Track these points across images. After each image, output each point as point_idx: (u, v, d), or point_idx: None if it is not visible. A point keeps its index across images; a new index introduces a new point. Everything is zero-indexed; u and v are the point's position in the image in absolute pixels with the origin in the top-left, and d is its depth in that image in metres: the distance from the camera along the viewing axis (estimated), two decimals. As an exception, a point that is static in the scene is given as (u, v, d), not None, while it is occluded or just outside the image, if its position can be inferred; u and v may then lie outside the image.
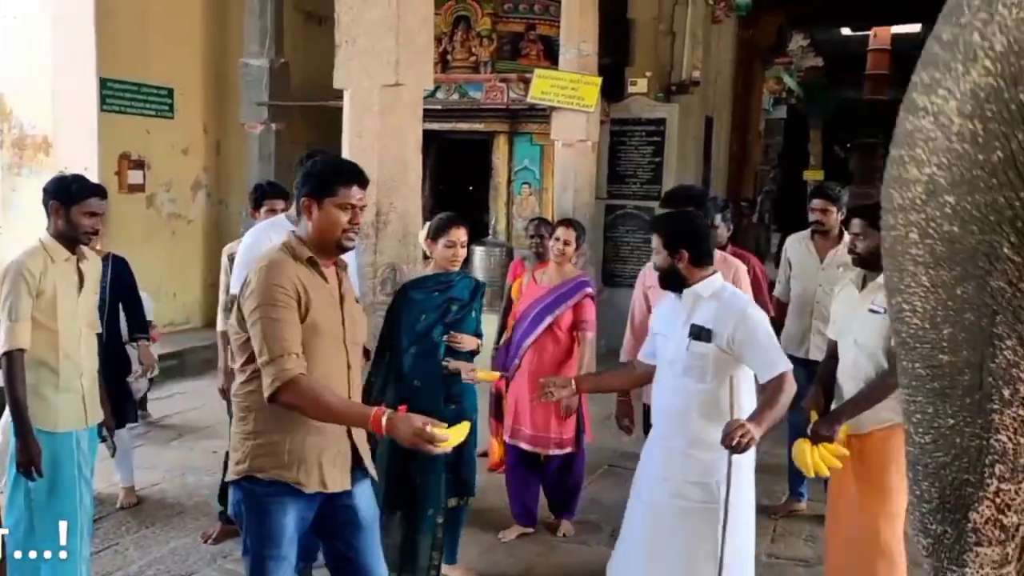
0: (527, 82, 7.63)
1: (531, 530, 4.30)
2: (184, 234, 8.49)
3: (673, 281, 2.97)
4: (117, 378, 4.04)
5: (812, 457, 3.05)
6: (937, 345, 1.03)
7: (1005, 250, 0.95)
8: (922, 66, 1.02)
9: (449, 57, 8.73)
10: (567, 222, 4.46)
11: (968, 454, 1.04)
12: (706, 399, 2.86)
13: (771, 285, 4.87)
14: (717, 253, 3.78)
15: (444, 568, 3.59)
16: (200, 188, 8.68)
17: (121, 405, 4.13)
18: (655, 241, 3.01)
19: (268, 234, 3.41)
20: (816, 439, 3.08)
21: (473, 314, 3.64)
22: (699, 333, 2.83)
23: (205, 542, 4.01)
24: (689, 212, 3.50)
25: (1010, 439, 1.02)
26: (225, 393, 3.93)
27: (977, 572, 1.09)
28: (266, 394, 2.25)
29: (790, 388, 2.78)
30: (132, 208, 7.76)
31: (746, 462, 2.91)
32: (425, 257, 4.34)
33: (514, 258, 7.03)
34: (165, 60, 8.01)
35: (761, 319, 2.93)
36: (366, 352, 3.56)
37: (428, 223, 3.74)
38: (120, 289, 4.20)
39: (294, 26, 9.13)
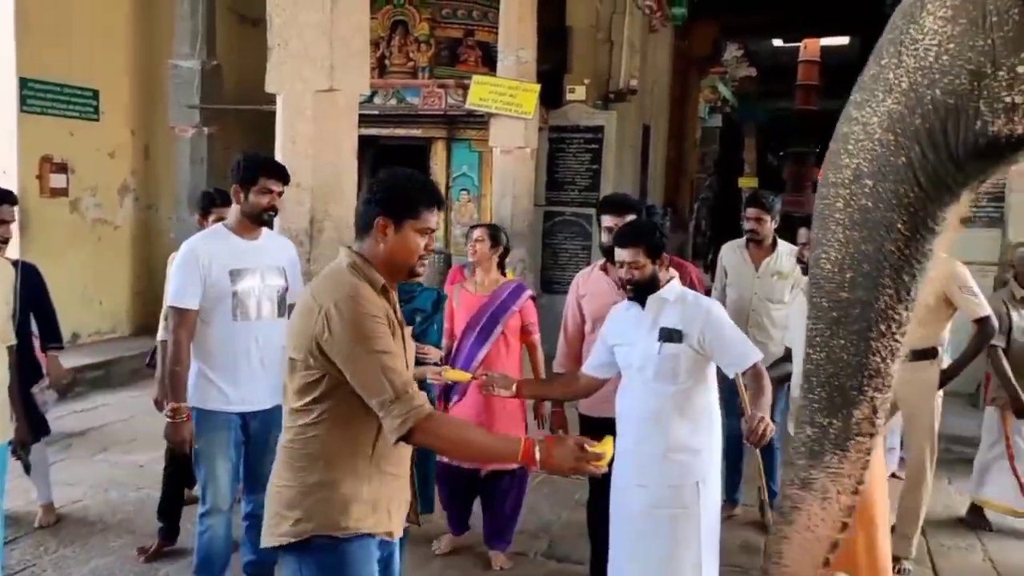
0: (465, 88, 7.59)
1: (464, 533, 4.24)
2: (111, 240, 8.21)
3: (647, 290, 2.97)
4: (27, 390, 3.85)
5: None
6: (840, 285, 1.40)
7: (899, 225, 1.33)
8: (857, 89, 1.39)
9: (387, 62, 8.64)
10: (483, 225, 4.47)
11: (851, 367, 1.42)
12: (681, 400, 2.89)
13: (708, 292, 4.91)
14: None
15: None
16: (128, 193, 8.41)
17: (36, 418, 3.95)
18: (633, 255, 2.95)
19: (205, 243, 3.34)
20: None
21: (435, 325, 3.57)
22: (670, 335, 2.86)
23: (140, 556, 3.86)
24: (644, 220, 3.55)
25: (882, 361, 1.41)
26: (160, 405, 3.80)
27: (855, 455, 1.46)
28: (396, 435, 2.04)
29: (766, 374, 2.88)
30: (55, 213, 7.47)
31: (714, 467, 2.94)
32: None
33: (452, 265, 6.98)
34: (90, 60, 7.73)
35: (725, 316, 3.00)
36: None
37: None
38: (30, 298, 4.01)
39: (227, 27, 8.93)
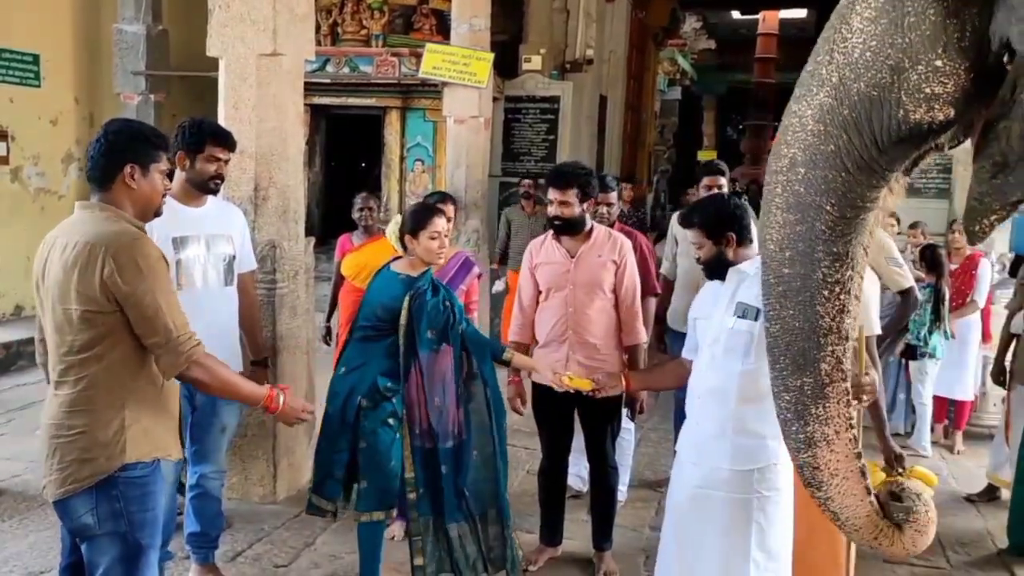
0: (419, 57, 7.47)
1: None
2: (55, 210, 7.96)
3: (720, 269, 2.81)
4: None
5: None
6: (782, 263, 1.60)
7: (827, 207, 1.51)
8: (798, 84, 1.54)
9: (339, 30, 8.49)
10: (444, 196, 4.23)
11: (805, 331, 1.61)
12: (747, 381, 2.65)
13: (659, 262, 4.91)
14: (603, 228, 3.78)
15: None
16: (72, 162, 8.17)
17: None
18: (694, 235, 2.83)
19: None
20: (894, 463, 2.97)
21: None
22: (744, 312, 2.68)
23: None
24: (719, 195, 3.40)
25: (832, 319, 1.59)
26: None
27: (835, 396, 1.63)
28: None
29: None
30: (-5, 182, 7.26)
31: (782, 457, 2.60)
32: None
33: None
34: (30, 24, 7.47)
35: None
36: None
37: (400, 216, 3.46)
38: None
39: (173, -9, 8.68)
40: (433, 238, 3.20)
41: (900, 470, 2.95)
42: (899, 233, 6.66)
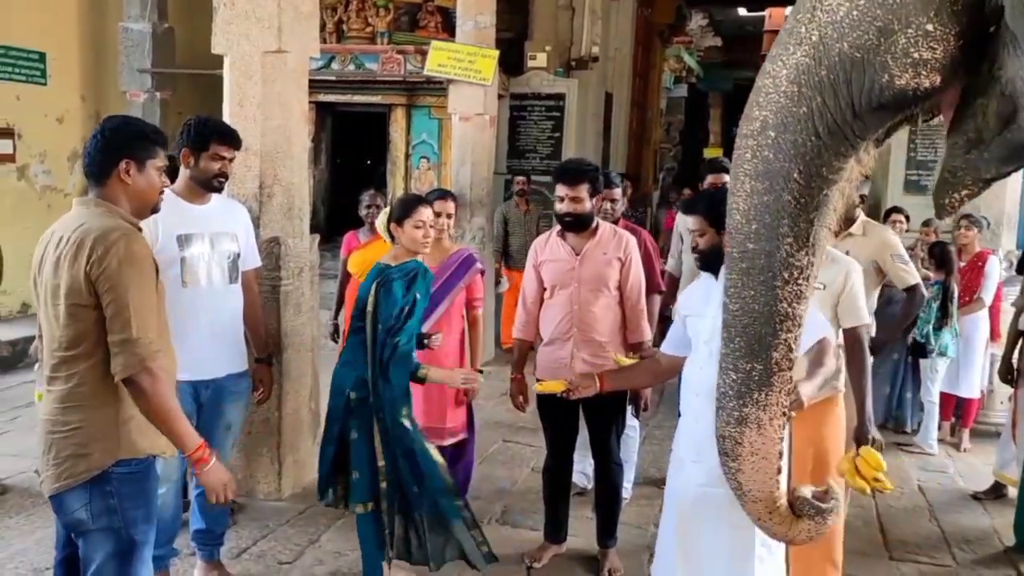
0: (425, 54, 7.47)
1: None
2: (61, 208, 7.87)
3: (716, 260, 2.69)
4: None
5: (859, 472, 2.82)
6: (747, 236, 1.52)
7: (795, 175, 1.44)
8: (775, 43, 1.47)
9: (344, 27, 8.50)
10: (445, 193, 4.24)
11: (763, 315, 1.55)
12: None
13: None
14: (608, 226, 3.77)
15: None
16: (78, 159, 8.17)
17: None
18: (696, 223, 2.78)
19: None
20: (861, 443, 2.98)
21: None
22: None
23: None
24: (726, 188, 3.38)
25: (789, 306, 1.54)
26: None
27: (779, 386, 1.62)
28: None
29: (830, 351, 2.72)
30: (1, 180, 7.27)
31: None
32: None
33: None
34: (35, 22, 7.49)
35: None
36: None
37: (387, 208, 3.49)
38: None
39: (179, -11, 8.70)
40: (418, 227, 3.24)
41: (855, 452, 2.92)
42: (907, 231, 6.64)
